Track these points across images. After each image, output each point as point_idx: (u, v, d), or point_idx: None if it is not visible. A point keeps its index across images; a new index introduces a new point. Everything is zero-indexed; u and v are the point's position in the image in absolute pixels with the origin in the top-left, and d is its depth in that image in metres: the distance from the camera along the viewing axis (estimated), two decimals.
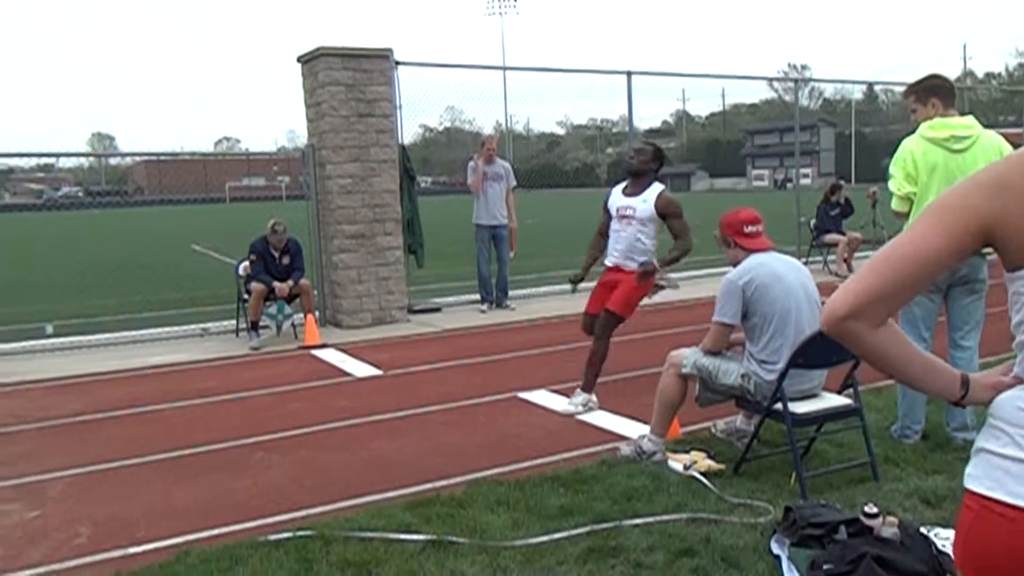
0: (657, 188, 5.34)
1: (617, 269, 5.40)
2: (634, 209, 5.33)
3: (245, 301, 8.07)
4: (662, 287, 5.50)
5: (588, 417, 5.10)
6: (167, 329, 8.51)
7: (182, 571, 3.11)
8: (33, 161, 78.20)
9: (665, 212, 5.29)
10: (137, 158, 72.48)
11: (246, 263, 8.19)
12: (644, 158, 5.39)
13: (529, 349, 7.26)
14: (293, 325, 8.26)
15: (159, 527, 3.62)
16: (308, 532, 3.40)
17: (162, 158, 62.45)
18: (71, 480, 4.31)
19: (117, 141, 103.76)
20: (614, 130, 58.12)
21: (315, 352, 7.46)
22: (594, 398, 5.33)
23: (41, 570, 3.26)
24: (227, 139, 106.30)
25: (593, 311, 5.46)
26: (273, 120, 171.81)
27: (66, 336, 8.38)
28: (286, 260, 8.10)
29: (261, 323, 7.99)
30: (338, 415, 5.38)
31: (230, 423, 5.29)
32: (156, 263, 17.14)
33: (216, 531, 3.55)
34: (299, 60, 9.15)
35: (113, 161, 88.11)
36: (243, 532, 3.52)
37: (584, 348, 5.47)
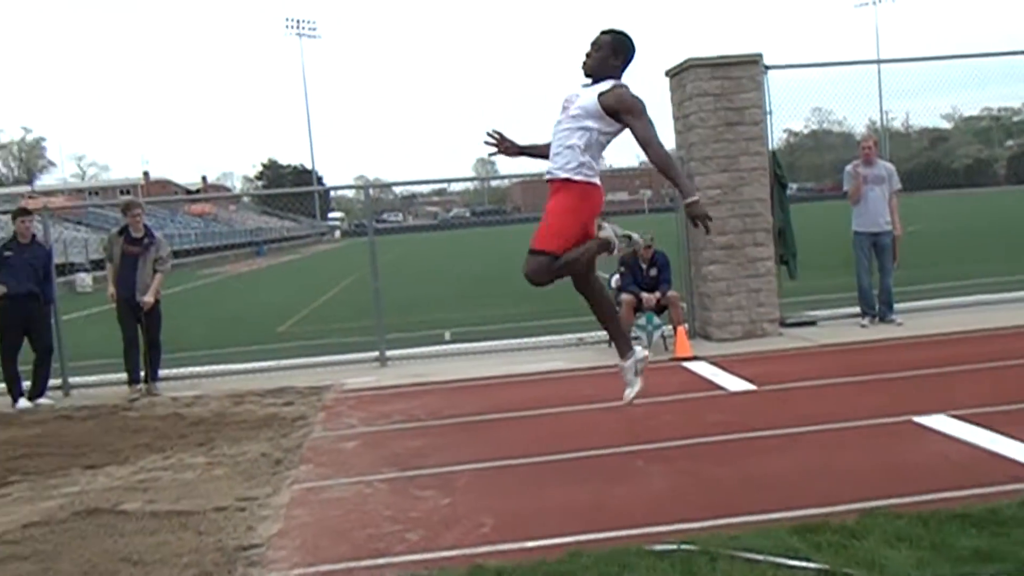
0: (611, 82, 4.30)
1: (552, 182, 4.39)
2: (576, 97, 4.34)
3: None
4: (629, 238, 4.53)
5: (1001, 448, 4.47)
6: (547, 338, 9.14)
7: (576, 571, 3.27)
8: (430, 187, 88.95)
9: (617, 108, 4.19)
10: (514, 180, 78.94)
11: (616, 276, 8.50)
12: (600, 54, 4.33)
13: (922, 369, 6.58)
14: (663, 337, 8.38)
15: (551, 525, 3.86)
16: (693, 546, 3.40)
17: (535, 179, 67.27)
18: (475, 473, 4.78)
19: (497, 165, 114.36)
20: (1014, 119, 50.72)
21: (686, 364, 7.49)
22: (642, 353, 4.57)
23: (455, 552, 3.64)
24: None
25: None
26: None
27: (461, 343, 9.37)
28: (653, 272, 8.27)
29: (632, 334, 8.22)
30: (713, 429, 5.34)
31: (609, 430, 5.51)
32: None
33: (603, 535, 3.69)
34: (667, 74, 9.29)
35: (494, 183, 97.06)
36: (628, 539, 3.61)
37: (1003, 368, 4.77)
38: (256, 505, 4.43)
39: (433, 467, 4.91)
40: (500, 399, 6.70)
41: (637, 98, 4.23)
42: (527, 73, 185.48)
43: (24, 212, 8.13)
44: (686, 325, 8.41)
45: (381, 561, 3.59)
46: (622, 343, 4.66)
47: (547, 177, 4.42)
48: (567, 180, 4.32)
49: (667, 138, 7.13)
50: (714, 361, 7.49)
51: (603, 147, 4.39)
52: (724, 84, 8.59)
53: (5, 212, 31.88)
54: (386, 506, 4.29)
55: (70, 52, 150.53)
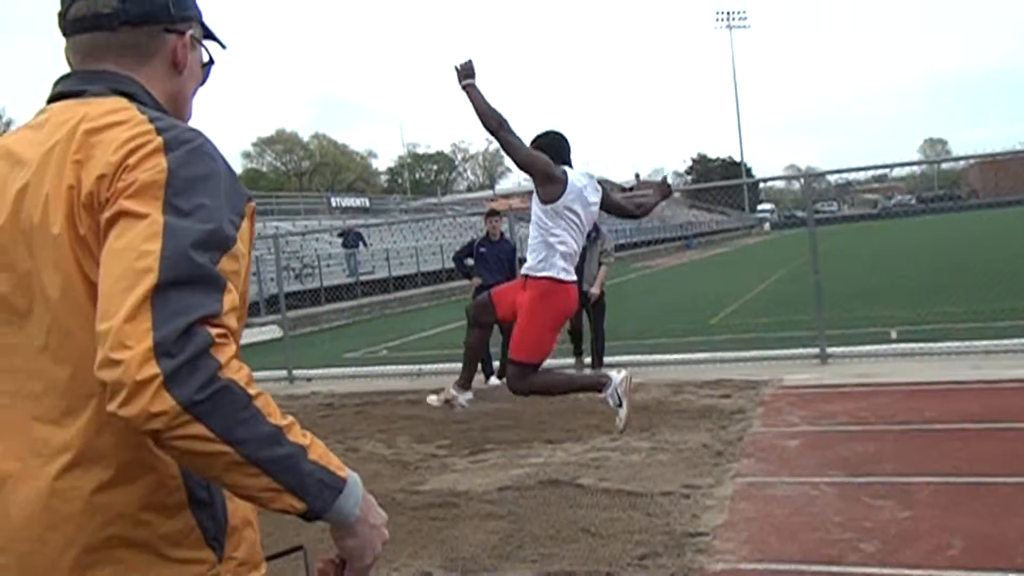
0: None
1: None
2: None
3: None
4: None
5: None
6: (1018, 341, 7.92)
7: None
8: (868, 174, 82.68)
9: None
10: (972, 160, 69.88)
11: None
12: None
13: None
14: None
15: None
16: None
17: (998, 159, 58.81)
18: (936, 487, 4.33)
19: (950, 145, 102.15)
20: None
21: None
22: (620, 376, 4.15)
23: (917, 572, 3.34)
24: None
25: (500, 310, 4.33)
26: None
27: (910, 343, 8.53)
28: None
29: None
30: None
31: None
32: (1002, 270, 16.15)
33: None
34: None
35: (946, 166, 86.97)
36: None
37: None
38: (700, 494, 4.52)
39: (887, 475, 4.56)
40: (962, 407, 5.97)
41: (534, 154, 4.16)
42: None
43: (494, 213, 9.28)
44: None
45: (834, 569, 3.44)
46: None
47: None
48: (526, 277, 4.24)
49: None
50: None
51: (550, 231, 4.15)
52: None
53: (473, 214, 36.84)
54: (836, 511, 4.08)
55: (523, 68, 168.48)
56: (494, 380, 8.82)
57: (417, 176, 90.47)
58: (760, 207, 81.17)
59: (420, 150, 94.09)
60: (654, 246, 46.49)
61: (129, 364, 0.96)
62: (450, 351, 10.91)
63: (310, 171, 74.76)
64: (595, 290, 8.55)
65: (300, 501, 1.07)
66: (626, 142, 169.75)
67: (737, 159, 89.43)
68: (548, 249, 4.14)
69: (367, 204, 48.15)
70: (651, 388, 7.64)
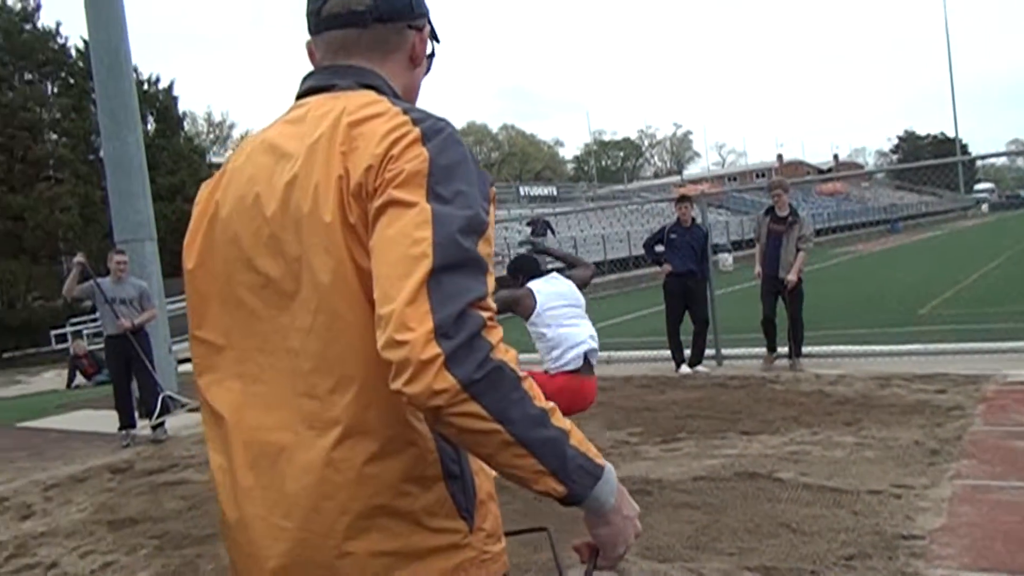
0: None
1: None
2: None
3: None
4: None
5: None
6: None
7: None
8: None
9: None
10: None
11: None
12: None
13: None
14: None
15: None
16: None
17: None
18: None
19: None
20: None
21: None
22: None
23: None
24: None
25: None
26: None
27: None
28: None
29: None
30: None
31: None
32: None
33: None
34: None
35: None
36: None
37: None
38: (913, 495, 4.22)
39: None
40: None
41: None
42: None
43: (685, 198, 9.10)
44: None
45: None
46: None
47: None
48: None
49: None
50: None
51: (543, 336, 4.76)
52: None
53: (660, 200, 36.30)
54: None
55: (706, 49, 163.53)
56: (685, 368, 8.67)
57: (603, 163, 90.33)
58: (977, 187, 74.29)
59: (606, 137, 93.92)
60: (855, 230, 43.83)
61: (414, 345, 1.02)
62: (639, 338, 10.83)
63: (499, 162, 76.59)
64: (792, 277, 8.17)
65: (561, 485, 1.09)
66: (824, 122, 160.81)
67: (950, 135, 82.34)
68: (545, 347, 4.81)
69: (555, 192, 48.70)
70: (854, 381, 7.23)
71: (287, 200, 1.21)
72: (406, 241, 1.08)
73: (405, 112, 1.20)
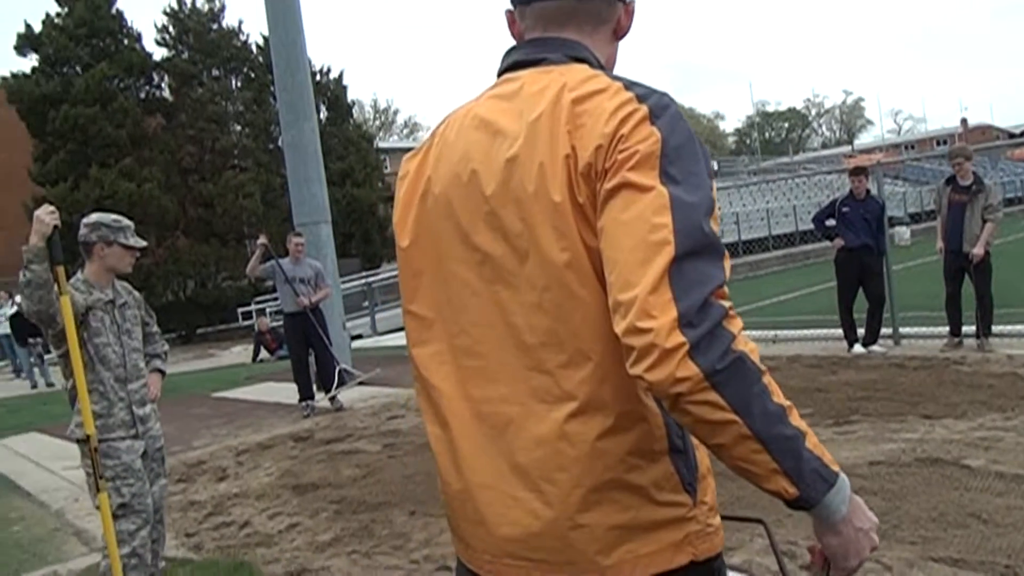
0: None
1: None
2: None
3: None
4: None
5: None
6: None
7: None
8: None
9: None
10: None
11: None
12: None
13: None
14: None
15: None
16: None
17: None
18: None
19: None
20: None
21: None
22: None
23: None
24: None
25: None
26: None
27: None
28: None
29: None
30: None
31: None
32: None
33: None
34: None
35: None
36: None
37: None
38: None
39: None
40: None
41: None
42: None
43: (860, 170, 8.59)
44: None
45: None
46: None
47: None
48: None
49: None
50: None
51: None
52: None
53: (830, 172, 34.46)
54: None
55: (879, 7, 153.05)
56: (858, 348, 8.24)
57: (767, 135, 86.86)
58: None
59: (770, 108, 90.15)
60: None
61: (658, 333, 1.01)
62: (805, 317, 10.38)
63: None
64: (978, 250, 7.55)
65: (793, 486, 1.07)
66: (1017, 81, 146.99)
67: None
68: None
69: (715, 167, 47.34)
70: None
71: (508, 178, 1.20)
72: (645, 226, 1.06)
73: (628, 88, 1.17)
